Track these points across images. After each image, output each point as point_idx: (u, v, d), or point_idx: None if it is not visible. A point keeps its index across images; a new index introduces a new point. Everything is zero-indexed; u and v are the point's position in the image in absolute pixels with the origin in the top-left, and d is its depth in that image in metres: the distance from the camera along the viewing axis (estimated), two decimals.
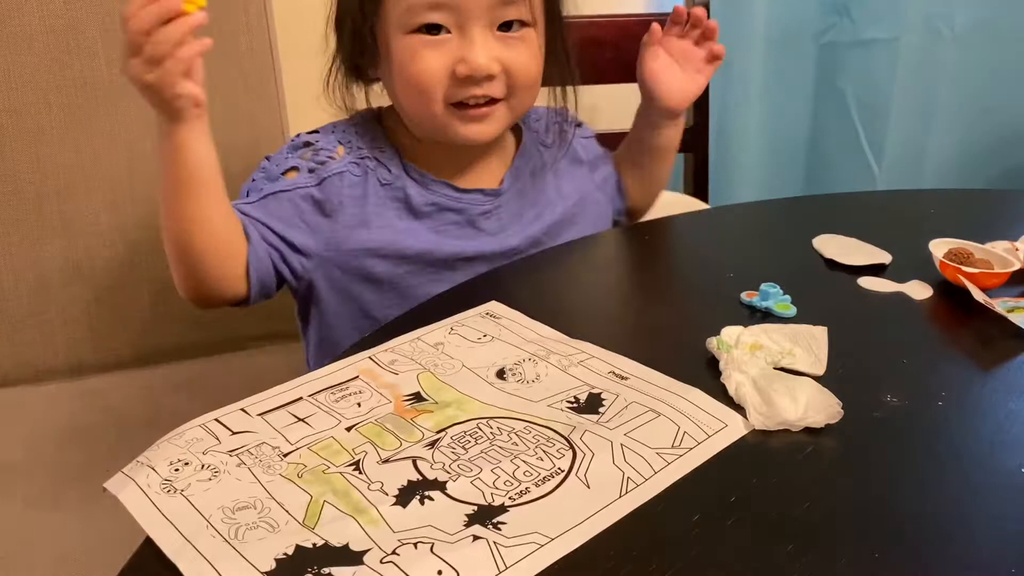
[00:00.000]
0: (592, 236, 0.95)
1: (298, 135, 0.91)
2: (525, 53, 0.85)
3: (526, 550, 0.47)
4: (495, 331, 0.71)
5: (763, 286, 0.76)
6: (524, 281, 0.84)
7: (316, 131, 0.91)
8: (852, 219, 0.97)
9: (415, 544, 0.47)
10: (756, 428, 0.58)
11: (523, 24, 0.85)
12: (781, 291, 0.76)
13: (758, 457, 0.56)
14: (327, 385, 0.63)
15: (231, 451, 0.55)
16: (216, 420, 0.59)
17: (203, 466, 0.54)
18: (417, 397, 0.62)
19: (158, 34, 0.65)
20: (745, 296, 0.76)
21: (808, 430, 0.58)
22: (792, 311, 0.74)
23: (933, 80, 1.70)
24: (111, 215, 1.18)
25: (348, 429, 0.58)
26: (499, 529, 0.48)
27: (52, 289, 1.18)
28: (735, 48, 1.62)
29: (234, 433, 0.57)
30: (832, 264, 0.85)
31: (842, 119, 1.74)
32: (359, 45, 0.86)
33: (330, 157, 0.87)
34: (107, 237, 1.19)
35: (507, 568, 0.45)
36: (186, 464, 0.54)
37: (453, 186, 0.90)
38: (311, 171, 0.86)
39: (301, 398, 0.62)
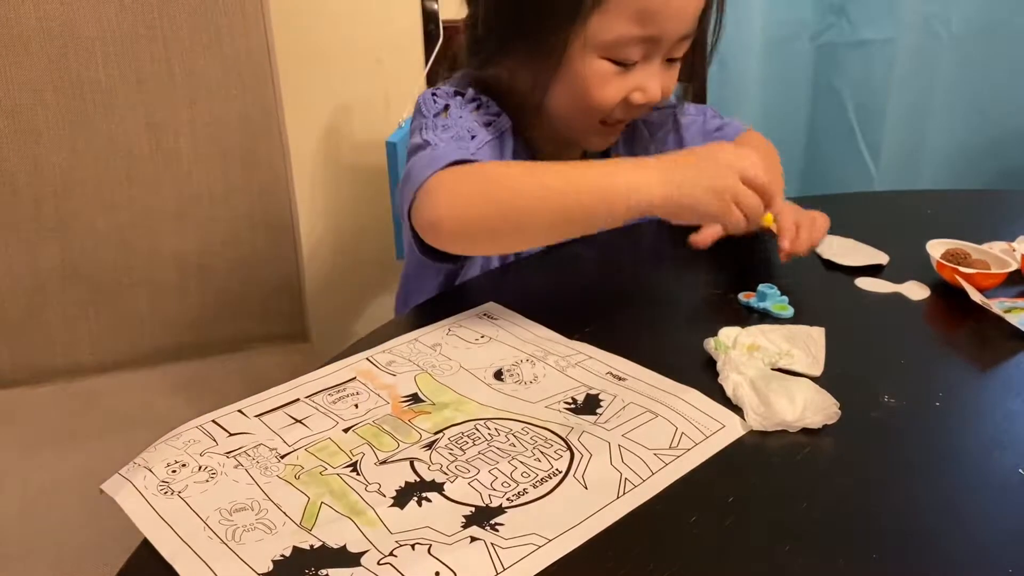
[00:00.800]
0: (588, 237, 0.95)
1: (438, 88, 0.88)
2: (675, 76, 0.87)
3: (524, 551, 0.47)
4: (493, 332, 0.71)
5: (760, 287, 0.76)
6: (521, 282, 0.84)
7: (457, 87, 0.89)
8: (849, 220, 0.97)
9: (413, 545, 0.47)
10: (754, 429, 0.58)
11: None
12: (779, 292, 0.76)
13: (756, 458, 0.56)
14: (324, 386, 0.63)
15: (228, 452, 0.55)
16: (213, 422, 0.59)
17: (200, 468, 0.54)
18: (415, 398, 0.62)
19: (755, 204, 0.70)
20: (743, 297, 0.77)
21: (806, 431, 0.58)
22: (790, 312, 0.74)
23: (929, 80, 1.70)
24: (108, 216, 1.18)
25: (345, 430, 0.58)
26: (497, 530, 0.48)
27: (49, 291, 1.18)
28: (732, 48, 1.62)
29: (231, 434, 0.57)
30: (829, 265, 0.85)
31: (839, 119, 1.74)
32: (526, 42, 0.83)
33: (497, 114, 0.87)
34: (104, 238, 1.19)
35: (505, 569, 0.45)
36: (183, 466, 0.54)
37: None
38: (487, 124, 0.85)
39: (298, 399, 0.62)
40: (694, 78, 0.93)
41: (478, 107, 0.86)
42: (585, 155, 0.95)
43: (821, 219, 0.84)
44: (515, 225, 0.72)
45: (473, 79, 0.90)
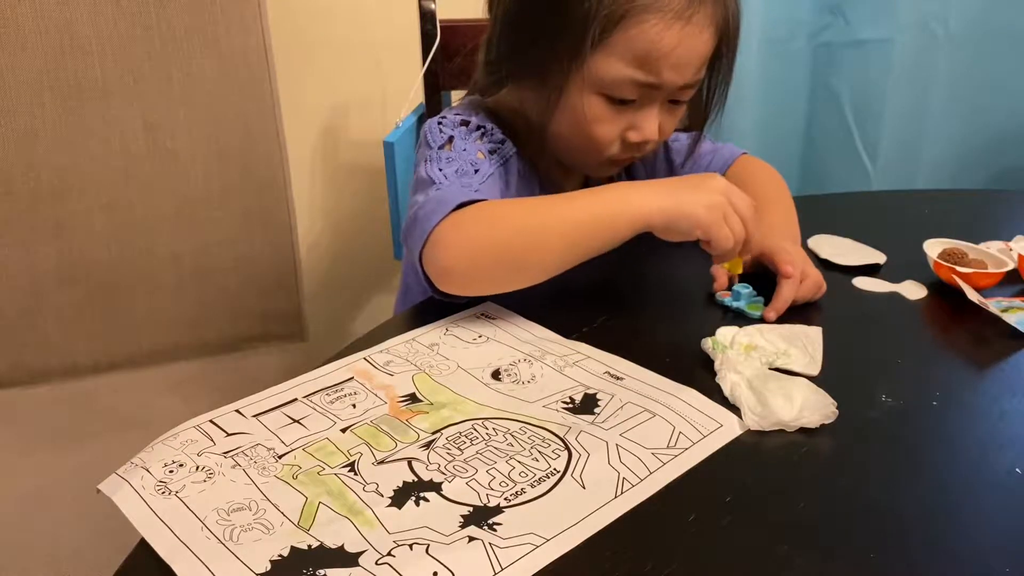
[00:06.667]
0: None
1: (444, 117, 0.89)
2: (677, 118, 0.87)
3: (522, 551, 0.47)
4: (490, 332, 0.71)
5: (735, 286, 0.76)
6: None
7: (463, 115, 0.89)
8: (847, 219, 0.97)
9: (410, 545, 0.47)
10: (751, 428, 0.58)
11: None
12: (753, 292, 0.76)
13: (753, 457, 0.56)
14: (322, 386, 0.63)
15: (226, 452, 0.55)
16: (211, 421, 0.59)
17: (198, 467, 0.54)
18: (412, 398, 0.62)
19: (740, 227, 0.71)
20: (719, 295, 0.77)
21: (803, 430, 0.58)
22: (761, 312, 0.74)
23: (927, 80, 1.70)
24: (105, 216, 1.18)
25: (343, 430, 0.58)
26: (495, 530, 0.48)
27: (46, 291, 1.18)
28: None
29: (229, 434, 0.57)
30: (827, 264, 0.85)
31: (836, 119, 1.74)
32: (531, 71, 0.84)
33: (501, 142, 0.87)
34: (101, 238, 1.19)
35: (503, 569, 0.45)
36: (181, 466, 0.54)
37: None
38: (492, 152, 0.86)
39: (296, 399, 0.62)
40: (692, 126, 0.93)
41: (482, 135, 0.87)
42: (587, 180, 0.95)
43: (811, 280, 0.77)
44: (523, 264, 0.73)
45: (481, 105, 0.91)
